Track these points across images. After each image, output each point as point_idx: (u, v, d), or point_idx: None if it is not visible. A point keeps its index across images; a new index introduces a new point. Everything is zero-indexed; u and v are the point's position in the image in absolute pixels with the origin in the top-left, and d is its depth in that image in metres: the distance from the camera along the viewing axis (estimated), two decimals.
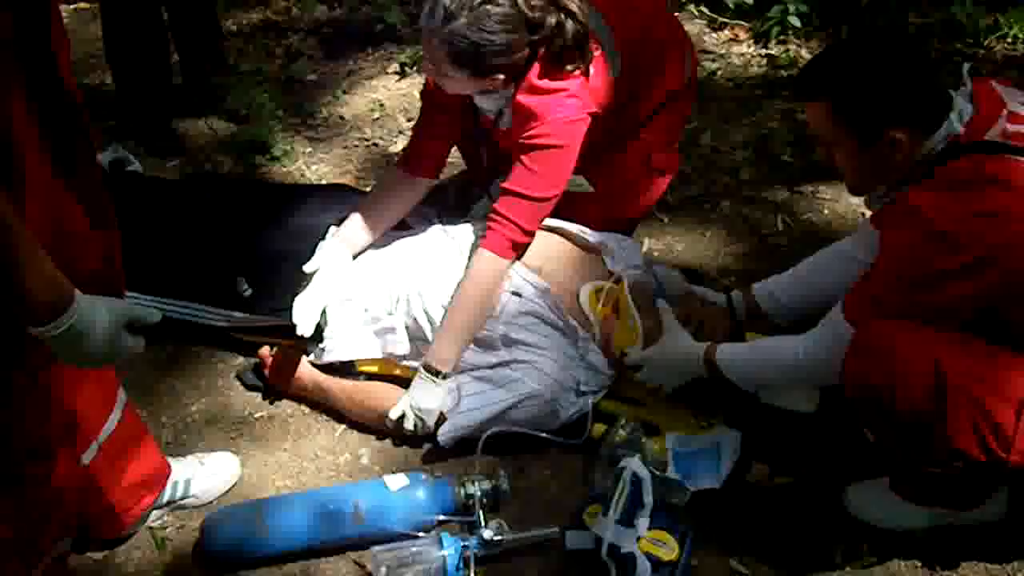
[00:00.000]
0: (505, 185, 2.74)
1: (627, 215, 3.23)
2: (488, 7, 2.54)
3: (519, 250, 2.78)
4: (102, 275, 1.87)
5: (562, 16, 2.61)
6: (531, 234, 2.78)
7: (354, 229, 2.94)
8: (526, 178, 2.72)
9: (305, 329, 2.75)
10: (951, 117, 2.15)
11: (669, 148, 3.23)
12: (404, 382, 2.77)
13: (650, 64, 2.99)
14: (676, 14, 4.63)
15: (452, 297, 2.73)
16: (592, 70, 2.74)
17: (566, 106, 2.69)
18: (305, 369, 2.86)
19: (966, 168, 2.11)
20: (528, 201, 2.72)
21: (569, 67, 2.69)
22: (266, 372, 2.89)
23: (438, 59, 2.63)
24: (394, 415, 2.67)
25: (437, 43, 2.59)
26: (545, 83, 2.69)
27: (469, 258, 2.81)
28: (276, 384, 2.89)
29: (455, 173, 3.65)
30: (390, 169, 3.04)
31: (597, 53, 2.76)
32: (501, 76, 2.67)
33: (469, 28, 2.55)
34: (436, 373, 2.67)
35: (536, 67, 2.68)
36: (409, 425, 2.67)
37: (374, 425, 2.76)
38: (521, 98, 2.71)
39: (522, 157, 2.72)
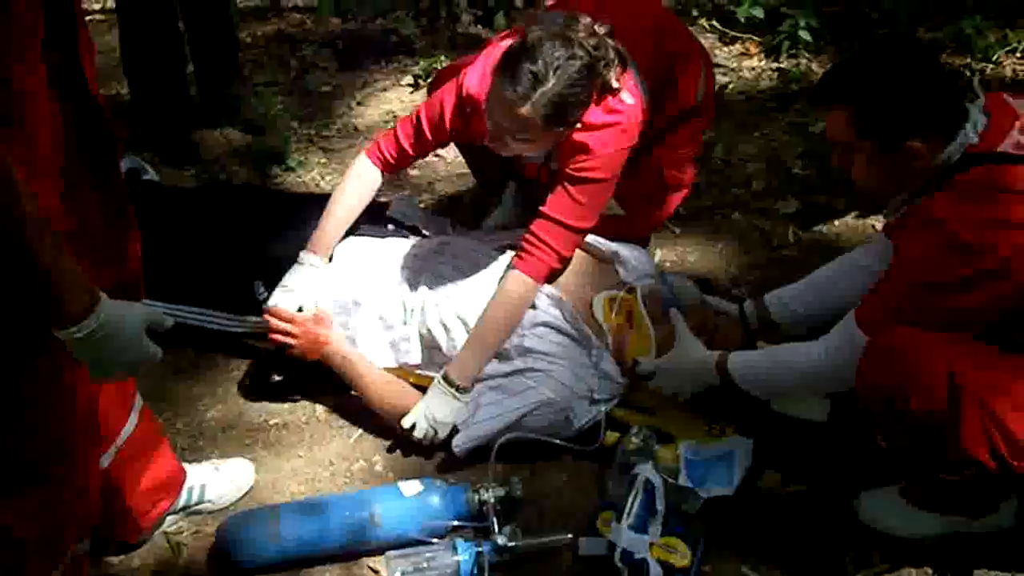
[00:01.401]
0: (546, 210, 2.74)
1: (639, 232, 3.24)
2: (571, 62, 2.51)
3: (552, 276, 2.80)
4: (124, 280, 1.90)
5: (609, 52, 2.59)
6: (566, 261, 2.80)
7: (329, 230, 2.92)
8: (569, 208, 2.73)
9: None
10: (967, 127, 2.16)
11: (683, 164, 3.21)
12: (419, 390, 2.78)
13: (661, 81, 2.96)
14: (688, 28, 4.66)
15: (481, 316, 2.74)
16: (635, 100, 2.74)
17: (616, 139, 2.71)
18: (335, 336, 2.83)
19: (981, 178, 2.13)
20: (568, 231, 2.74)
21: (608, 94, 2.68)
22: (288, 350, 2.83)
23: (523, 126, 2.56)
24: (407, 423, 2.68)
25: (528, 110, 2.50)
26: (599, 118, 2.69)
27: (483, 267, 2.85)
28: (302, 349, 2.81)
29: (469, 184, 3.68)
30: (364, 163, 2.97)
31: (632, 83, 2.75)
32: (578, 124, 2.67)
33: (561, 87, 2.50)
34: (455, 387, 2.68)
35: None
36: (419, 434, 2.68)
37: (385, 419, 2.76)
38: (577, 136, 2.70)
39: (568, 187, 2.72)
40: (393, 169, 2.98)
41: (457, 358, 2.73)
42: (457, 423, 2.67)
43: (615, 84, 2.66)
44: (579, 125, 2.67)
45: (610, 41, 2.60)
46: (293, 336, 2.77)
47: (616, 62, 2.63)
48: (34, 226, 1.49)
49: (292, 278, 2.86)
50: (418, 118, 2.89)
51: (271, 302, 2.82)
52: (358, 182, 2.97)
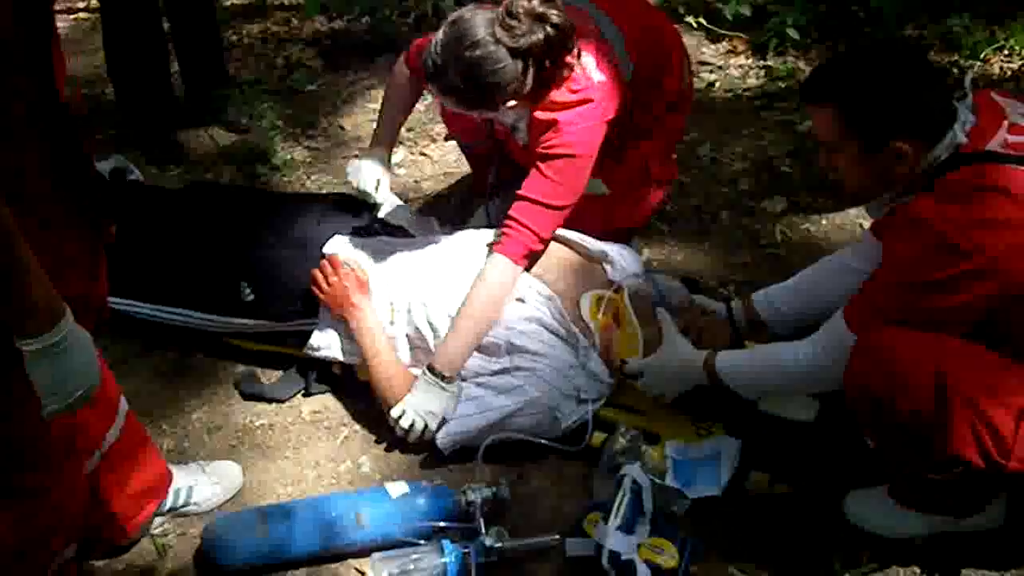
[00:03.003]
0: (521, 192, 2.76)
1: (624, 224, 3.25)
2: (469, 53, 2.57)
3: (533, 258, 2.80)
4: (84, 299, 1.87)
5: (548, 29, 2.61)
6: (546, 242, 2.80)
7: (386, 130, 3.12)
8: (543, 185, 2.74)
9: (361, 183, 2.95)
10: (955, 128, 2.16)
11: (666, 159, 3.26)
12: None
13: (653, 72, 3.00)
14: (675, 25, 4.66)
15: (463, 301, 2.74)
16: (606, 76, 2.76)
17: (584, 115, 2.72)
18: (365, 304, 2.81)
19: (968, 178, 2.13)
20: (545, 209, 2.74)
21: (567, 71, 2.71)
22: (315, 289, 2.83)
23: (452, 104, 2.73)
24: (395, 413, 2.67)
25: (441, 92, 2.67)
26: (564, 96, 2.72)
27: (469, 266, 2.82)
28: (329, 299, 2.81)
29: (455, 183, 3.67)
30: (402, 69, 3.10)
31: (610, 58, 2.79)
32: (514, 102, 2.69)
33: (461, 78, 2.59)
34: (441, 377, 2.68)
35: (553, 84, 2.71)
36: (405, 424, 2.66)
37: (382, 403, 2.74)
38: (539, 113, 2.74)
39: (540, 165, 2.74)
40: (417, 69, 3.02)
41: (441, 348, 2.73)
42: (445, 416, 2.66)
43: (574, 62, 2.71)
44: (544, 102, 2.72)
45: (556, 19, 2.61)
46: (329, 283, 2.79)
47: (568, 43, 2.66)
48: (7, 234, 1.48)
49: (360, 169, 3.00)
50: None
51: (353, 177, 3.00)
52: (397, 77, 3.12)
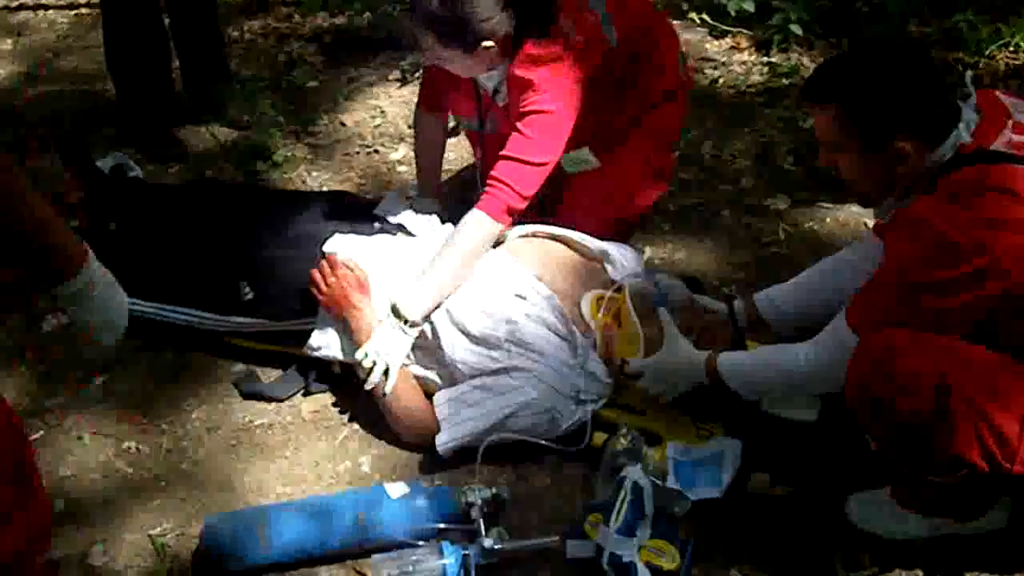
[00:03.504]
0: (503, 152, 2.80)
1: (624, 214, 3.25)
2: None
3: (513, 215, 2.81)
4: None
5: None
6: (526, 199, 2.81)
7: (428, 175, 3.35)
8: (521, 143, 2.78)
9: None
10: (959, 127, 2.15)
11: (666, 151, 3.30)
12: None
13: (648, 53, 3.07)
14: (676, 21, 4.65)
15: (438, 251, 2.79)
16: (585, 37, 2.82)
17: (560, 71, 2.78)
18: (365, 305, 2.78)
19: (972, 177, 2.11)
20: (524, 165, 2.78)
21: (546, 24, 2.78)
22: (315, 290, 2.81)
23: (429, 44, 2.77)
24: (359, 355, 2.67)
25: (422, 28, 2.73)
26: (538, 51, 2.77)
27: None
28: (328, 299, 2.80)
29: (460, 179, 3.66)
30: (420, 115, 3.33)
31: (592, 20, 2.85)
32: (491, 44, 2.74)
33: (443, 5, 2.65)
34: (404, 321, 2.68)
35: (528, 40, 2.77)
36: (367, 364, 2.65)
37: (380, 407, 2.73)
38: (516, 70, 2.79)
39: (518, 124, 2.79)
40: (432, 107, 3.26)
41: (409, 292, 2.72)
42: (439, 419, 2.64)
43: (554, 16, 2.78)
44: (519, 57, 2.79)
45: None
46: (328, 283, 2.78)
47: None
48: (22, 191, 1.58)
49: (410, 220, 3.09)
50: None
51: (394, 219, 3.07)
52: (419, 125, 3.35)
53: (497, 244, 2.91)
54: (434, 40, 2.74)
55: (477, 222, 2.78)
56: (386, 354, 2.67)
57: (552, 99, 2.78)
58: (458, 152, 3.84)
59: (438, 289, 2.73)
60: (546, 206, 3.17)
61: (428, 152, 3.37)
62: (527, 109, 2.79)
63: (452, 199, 3.39)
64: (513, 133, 2.81)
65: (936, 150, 2.17)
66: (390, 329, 2.69)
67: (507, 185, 2.76)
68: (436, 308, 2.73)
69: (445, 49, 2.77)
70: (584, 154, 3.04)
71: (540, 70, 2.77)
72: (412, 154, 3.98)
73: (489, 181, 2.79)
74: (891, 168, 2.22)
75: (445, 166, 3.51)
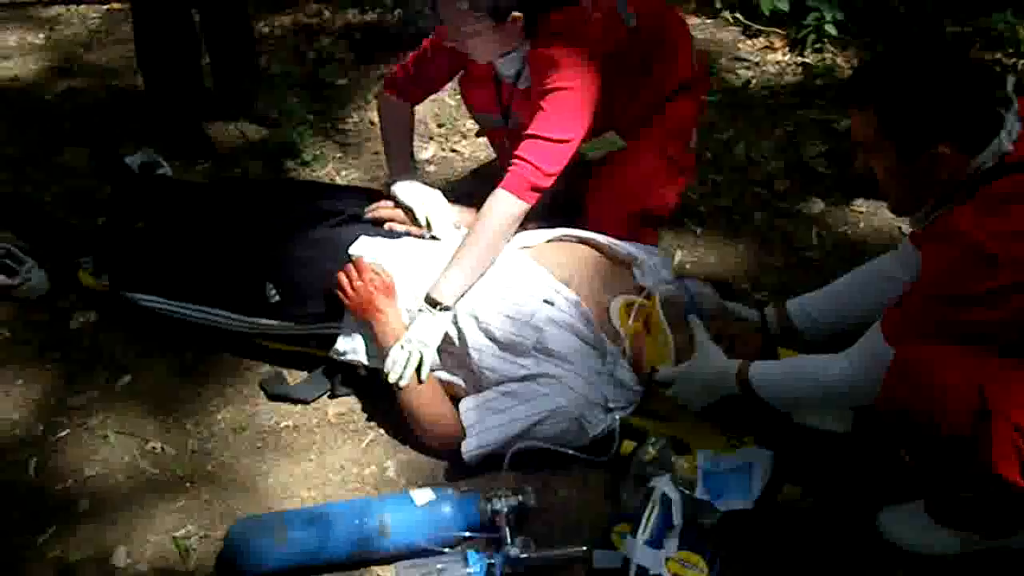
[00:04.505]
0: (526, 132, 2.80)
1: (648, 206, 3.20)
2: None
3: (538, 193, 2.80)
4: None
5: None
6: (551, 177, 2.79)
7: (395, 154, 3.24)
8: (543, 121, 2.78)
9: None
10: (1001, 136, 2.10)
11: (683, 144, 3.26)
12: None
13: (661, 41, 3.09)
14: (709, 20, 4.62)
15: (467, 233, 2.81)
16: (602, 14, 2.85)
17: (580, 49, 2.79)
18: (391, 310, 2.76)
19: (1011, 188, 2.07)
20: (547, 142, 2.77)
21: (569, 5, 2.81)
22: (340, 294, 2.79)
23: (459, 17, 2.75)
24: (392, 355, 2.68)
25: None
26: (558, 28, 2.79)
27: (495, 264, 2.81)
28: (354, 304, 2.77)
29: (486, 179, 3.63)
30: (389, 99, 3.24)
31: (609, 2, 2.88)
32: (519, 15, 2.75)
33: None
34: (436, 305, 2.69)
35: (548, 18, 2.79)
36: (404, 355, 2.66)
37: (404, 412, 2.70)
38: (537, 48, 2.82)
39: (540, 103, 2.79)
40: (403, 94, 3.20)
41: (440, 278, 2.73)
42: (466, 426, 2.61)
43: None
44: (539, 38, 2.82)
45: None
46: (354, 287, 2.76)
47: None
48: None
49: (405, 192, 3.04)
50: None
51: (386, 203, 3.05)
52: (386, 109, 3.28)
53: (523, 248, 2.90)
54: (467, 9, 2.71)
55: (502, 201, 2.76)
56: (420, 342, 2.67)
57: (573, 76, 2.78)
58: (487, 148, 3.81)
59: (468, 272, 2.73)
60: (568, 204, 3.15)
61: (399, 134, 3.27)
62: (549, 87, 2.78)
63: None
64: (537, 112, 2.80)
65: (976, 159, 2.13)
66: (424, 317, 2.70)
67: (530, 163, 2.75)
68: (467, 291, 2.73)
69: (476, 22, 2.75)
70: (611, 136, 3.04)
71: (561, 48, 2.78)
72: (442, 153, 3.99)
73: (512, 160, 2.78)
74: (927, 175, 2.17)
75: (476, 175, 3.48)
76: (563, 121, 2.79)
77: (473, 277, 2.74)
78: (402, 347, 2.67)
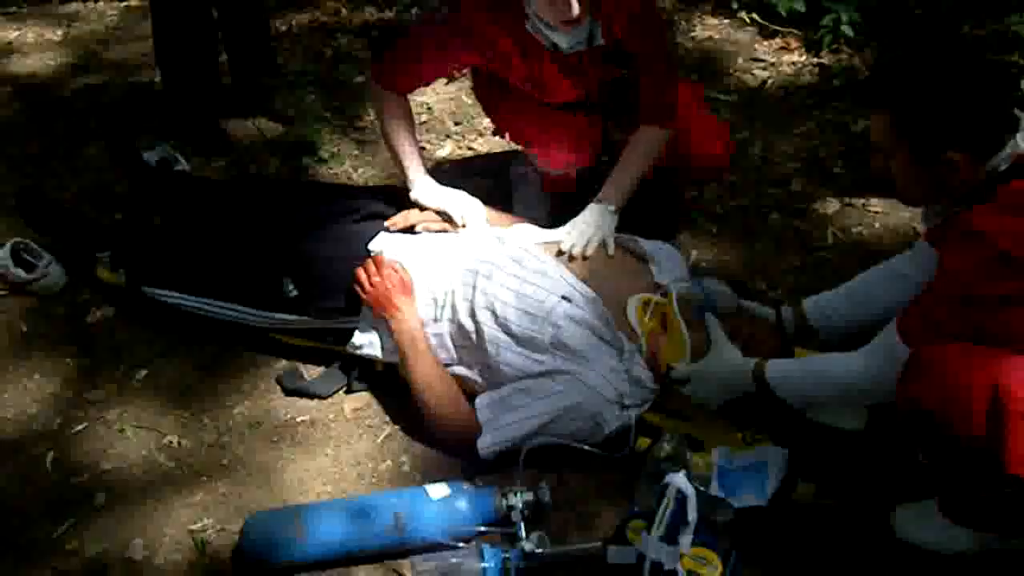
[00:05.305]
0: (644, 91, 3.01)
1: (689, 153, 3.19)
2: None
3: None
4: None
5: None
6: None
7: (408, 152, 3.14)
8: (663, 78, 3.04)
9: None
10: (1016, 137, 2.10)
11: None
12: None
13: None
14: (726, 20, 4.61)
15: (629, 146, 3.06)
16: None
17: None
18: (408, 307, 2.78)
19: None
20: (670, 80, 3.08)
21: None
22: (358, 289, 2.80)
23: None
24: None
25: None
26: None
27: (511, 259, 2.82)
28: (372, 299, 2.78)
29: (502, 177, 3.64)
30: (380, 92, 3.14)
31: None
32: None
33: None
34: (609, 203, 2.95)
35: None
36: (575, 239, 2.87)
37: (422, 409, 2.70)
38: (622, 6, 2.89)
39: (645, 53, 2.97)
40: (403, 87, 3.14)
41: (609, 183, 3.01)
42: (481, 422, 2.61)
43: None
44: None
45: None
46: (372, 283, 2.77)
47: None
48: None
49: (432, 196, 3.07)
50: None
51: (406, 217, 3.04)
52: (384, 101, 3.16)
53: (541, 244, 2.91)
54: None
55: (656, 134, 3.04)
56: (595, 228, 2.90)
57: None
58: (489, 147, 3.82)
59: (635, 174, 3.03)
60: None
61: (406, 131, 3.15)
62: (647, 40, 2.96)
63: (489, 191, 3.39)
64: (645, 71, 2.98)
65: (991, 160, 2.13)
66: (595, 209, 2.94)
67: (664, 102, 3.03)
68: (632, 194, 3.01)
69: None
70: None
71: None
72: (459, 151, 3.98)
73: (646, 109, 3.02)
74: (941, 178, 2.18)
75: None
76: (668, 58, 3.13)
77: (637, 180, 3.02)
78: (569, 232, 2.89)
